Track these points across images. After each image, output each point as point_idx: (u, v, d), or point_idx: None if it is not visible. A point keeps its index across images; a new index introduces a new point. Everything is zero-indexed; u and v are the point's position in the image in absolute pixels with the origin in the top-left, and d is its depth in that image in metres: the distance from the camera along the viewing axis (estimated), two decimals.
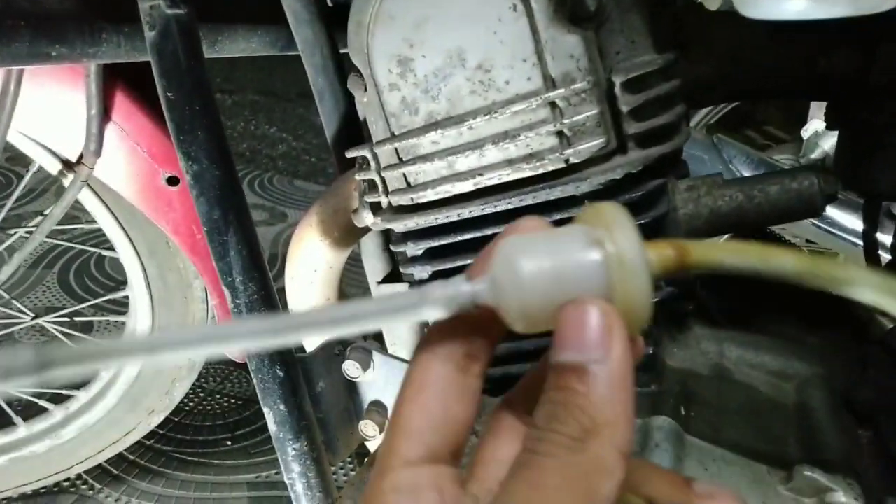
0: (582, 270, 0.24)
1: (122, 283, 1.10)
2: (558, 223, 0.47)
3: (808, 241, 1.51)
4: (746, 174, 1.42)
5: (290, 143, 2.96)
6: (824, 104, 0.58)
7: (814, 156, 1.67)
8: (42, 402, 1.17)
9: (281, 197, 2.53)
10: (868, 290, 0.24)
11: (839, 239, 1.38)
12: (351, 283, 1.84)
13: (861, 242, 1.37)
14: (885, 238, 0.68)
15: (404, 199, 0.50)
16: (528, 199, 0.46)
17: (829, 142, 1.61)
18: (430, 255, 0.52)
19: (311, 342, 0.77)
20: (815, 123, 1.64)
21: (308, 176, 2.73)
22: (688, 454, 0.41)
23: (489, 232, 0.48)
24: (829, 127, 0.56)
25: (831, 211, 1.34)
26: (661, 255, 0.25)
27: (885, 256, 0.65)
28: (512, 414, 0.29)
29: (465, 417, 0.27)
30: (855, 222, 1.33)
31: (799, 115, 1.78)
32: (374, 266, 0.77)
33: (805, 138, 1.68)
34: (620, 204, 0.25)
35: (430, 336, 0.28)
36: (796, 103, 1.87)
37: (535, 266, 0.24)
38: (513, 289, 0.24)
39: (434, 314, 0.26)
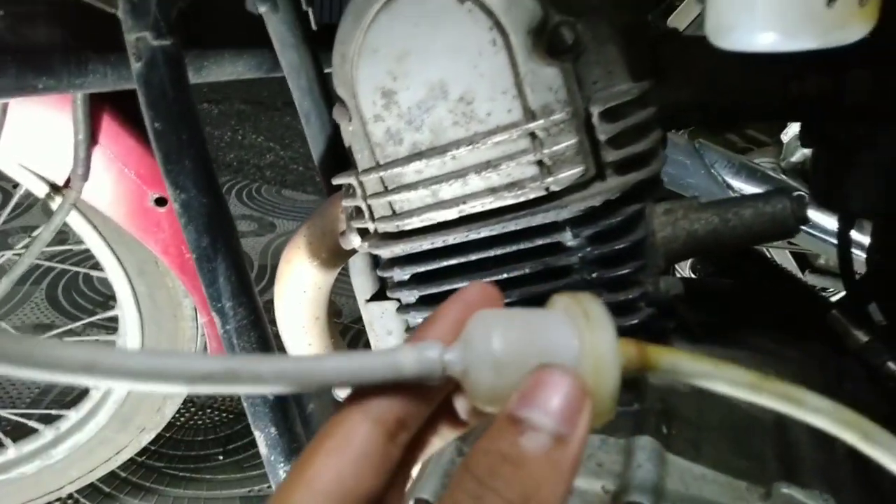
0: (558, 355, 0.24)
1: (111, 299, 1.10)
2: (540, 249, 0.48)
3: (789, 242, 1.53)
4: (728, 178, 1.45)
5: (278, 153, 2.96)
6: None
7: (794, 159, 1.70)
8: (32, 423, 1.17)
9: (269, 207, 2.53)
10: (817, 414, 0.25)
11: (819, 241, 1.41)
12: (343, 294, 1.85)
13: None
14: (864, 239, 0.69)
15: (390, 227, 0.51)
16: (511, 226, 0.47)
17: None
18: (417, 280, 0.53)
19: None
20: (795, 128, 1.66)
21: (296, 185, 2.73)
22: (669, 473, 0.42)
23: (473, 257, 0.49)
24: (804, 145, 0.58)
25: (812, 213, 1.37)
26: (626, 354, 0.25)
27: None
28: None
29: (375, 491, 0.24)
30: (836, 224, 1.35)
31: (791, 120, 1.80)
32: (363, 284, 0.78)
33: (785, 142, 1.71)
34: (595, 296, 0.26)
35: (367, 389, 0.26)
36: None
37: (510, 343, 0.24)
38: (485, 364, 0.24)
39: (404, 378, 0.25)
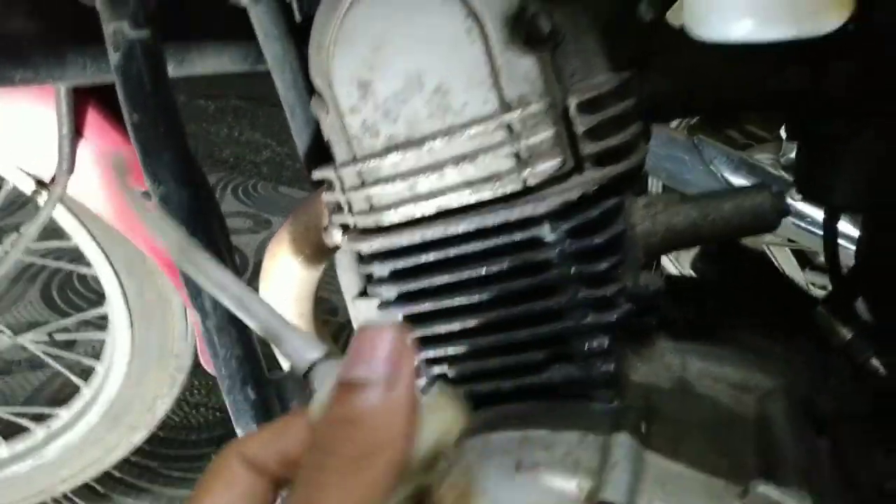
0: None
1: (104, 298, 1.09)
2: (519, 244, 0.47)
3: (789, 239, 1.52)
4: (727, 174, 1.43)
5: (275, 149, 2.95)
6: None
7: (793, 155, 1.68)
8: (23, 422, 1.16)
9: (265, 204, 2.51)
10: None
11: (818, 238, 1.39)
12: (339, 291, 1.84)
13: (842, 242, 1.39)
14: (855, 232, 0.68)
15: (368, 221, 0.50)
16: (489, 220, 0.47)
17: None
18: (396, 276, 0.52)
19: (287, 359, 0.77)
20: None
21: (293, 182, 2.71)
22: (646, 471, 0.41)
23: (452, 253, 0.49)
24: (790, 138, 0.57)
25: (811, 209, 1.36)
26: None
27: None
28: None
29: None
30: None
31: (779, 114, 1.79)
32: (350, 280, 0.76)
33: (785, 138, 1.70)
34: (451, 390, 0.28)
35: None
36: None
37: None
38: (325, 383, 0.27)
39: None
